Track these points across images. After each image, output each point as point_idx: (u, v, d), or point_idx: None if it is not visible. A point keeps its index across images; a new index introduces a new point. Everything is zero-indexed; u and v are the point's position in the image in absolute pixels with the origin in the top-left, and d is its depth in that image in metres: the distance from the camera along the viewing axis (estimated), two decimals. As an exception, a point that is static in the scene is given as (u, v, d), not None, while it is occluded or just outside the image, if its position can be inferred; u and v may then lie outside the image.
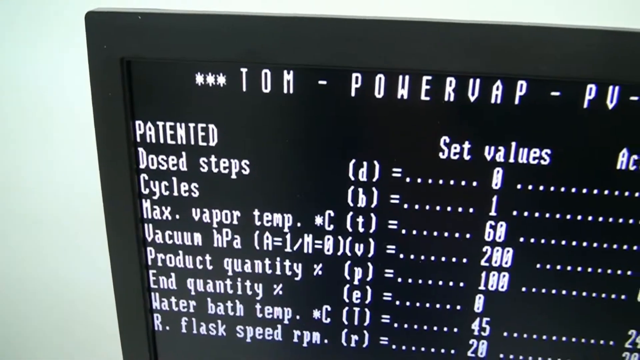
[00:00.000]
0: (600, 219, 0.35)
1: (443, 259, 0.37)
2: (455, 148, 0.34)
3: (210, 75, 0.34)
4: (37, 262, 0.58)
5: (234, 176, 0.36)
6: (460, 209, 0.36)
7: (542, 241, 0.36)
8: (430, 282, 0.38)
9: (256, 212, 0.37)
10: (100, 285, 0.54)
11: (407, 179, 0.35)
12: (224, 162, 0.36)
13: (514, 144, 0.34)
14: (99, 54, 0.34)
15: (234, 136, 0.36)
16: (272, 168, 0.36)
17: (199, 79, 0.34)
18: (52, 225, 0.56)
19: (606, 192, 0.34)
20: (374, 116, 0.34)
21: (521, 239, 0.36)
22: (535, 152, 0.34)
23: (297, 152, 0.35)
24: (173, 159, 0.37)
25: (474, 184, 0.35)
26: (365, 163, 0.35)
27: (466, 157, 0.34)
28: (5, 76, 0.55)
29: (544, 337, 0.38)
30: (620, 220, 0.34)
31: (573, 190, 0.34)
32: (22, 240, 0.58)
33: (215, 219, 0.38)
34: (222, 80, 0.34)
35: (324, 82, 0.34)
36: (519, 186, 0.35)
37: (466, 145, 0.34)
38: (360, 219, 0.37)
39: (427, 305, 0.38)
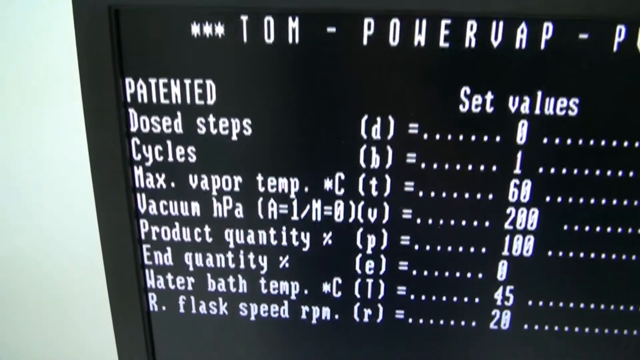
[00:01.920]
0: (632, 174, 0.32)
1: (463, 223, 0.34)
2: (476, 100, 0.31)
3: (207, 24, 0.31)
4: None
5: (234, 138, 0.33)
6: (482, 168, 0.33)
7: (570, 200, 0.33)
8: (449, 249, 0.35)
9: (259, 177, 0.34)
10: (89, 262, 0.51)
11: (425, 136, 0.32)
12: (224, 123, 0.33)
13: (539, 93, 0.31)
14: (84, 2, 0.31)
15: (234, 93, 0.32)
16: (276, 128, 0.33)
17: (195, 29, 0.31)
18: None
19: (637, 144, 0.32)
20: (387, 66, 0.31)
21: (547, 199, 0.33)
22: (562, 102, 0.31)
23: (303, 110, 0.32)
24: (167, 121, 0.33)
25: (497, 139, 0.32)
26: (378, 119, 0.32)
27: (488, 109, 0.32)
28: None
29: (571, 305, 0.36)
30: (655, 175, 0.32)
31: (602, 143, 0.32)
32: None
33: (215, 186, 0.35)
34: (220, 30, 0.31)
35: (333, 30, 0.31)
36: (545, 140, 0.32)
37: (488, 97, 0.31)
38: (373, 182, 0.34)
39: (447, 274, 0.35)
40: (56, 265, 0.54)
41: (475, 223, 0.34)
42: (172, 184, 0.35)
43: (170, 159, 0.34)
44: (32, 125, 0.49)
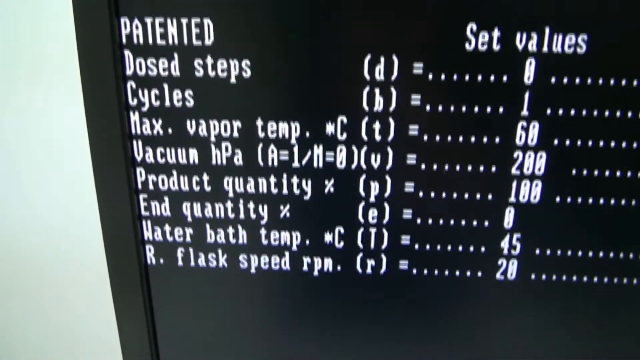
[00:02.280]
0: (643, 115, 0.31)
1: (469, 168, 0.33)
2: (483, 37, 0.30)
3: (204, -40, 0.30)
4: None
5: (233, 80, 0.32)
6: (488, 109, 0.32)
7: (579, 143, 0.32)
8: (455, 195, 0.34)
9: (259, 122, 0.33)
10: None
11: (430, 76, 0.31)
12: (222, 64, 0.32)
13: (547, 29, 0.30)
14: None
15: (232, 32, 0.31)
16: (276, 69, 0.32)
17: (192, -35, 0.30)
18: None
19: (649, 83, 0.31)
20: (391, 4, 0.30)
21: (555, 142, 0.32)
22: (570, 39, 0.30)
23: (304, 50, 0.31)
24: (164, 63, 0.32)
25: (504, 78, 0.31)
26: (382, 58, 0.31)
27: (495, 47, 0.31)
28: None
29: (580, 253, 0.35)
30: (666, 114, 0.31)
31: (612, 82, 0.31)
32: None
33: (213, 131, 0.34)
34: (218, -34, 0.30)
35: (335, -35, 0.30)
36: (553, 79, 0.31)
37: (495, 33, 0.30)
38: (376, 125, 0.33)
39: (452, 222, 0.35)
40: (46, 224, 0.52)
41: (481, 168, 0.33)
42: (169, 130, 0.34)
43: (167, 103, 0.33)
44: (25, 76, 0.47)
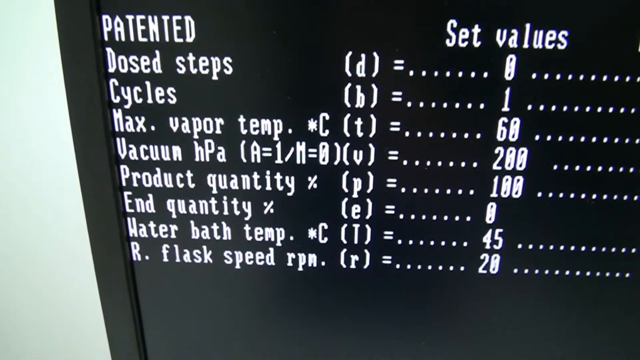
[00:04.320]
0: (622, 110, 0.32)
1: (451, 163, 0.33)
2: (463, 34, 0.31)
3: (184, -43, 0.30)
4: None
5: (215, 77, 0.32)
6: (469, 105, 0.32)
7: (560, 139, 0.32)
8: (437, 191, 0.34)
9: (241, 119, 0.33)
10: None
11: (410, 72, 0.31)
12: (204, 61, 0.32)
13: (528, 26, 0.30)
14: None
15: (214, 29, 0.31)
16: (257, 66, 0.32)
17: (172, -38, 0.30)
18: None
19: (628, 78, 0.31)
20: (372, 1, 0.30)
21: (537, 137, 0.33)
22: (551, 35, 0.30)
23: (286, 47, 0.31)
24: (146, 60, 0.32)
25: (485, 74, 0.31)
26: (363, 55, 0.31)
27: (476, 43, 0.31)
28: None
29: (561, 247, 0.35)
30: (646, 109, 0.31)
31: (592, 77, 0.31)
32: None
33: (196, 128, 0.34)
34: (198, -37, 0.30)
35: (315, -39, 0.30)
36: (533, 75, 0.31)
37: (476, 30, 0.30)
38: (358, 122, 0.33)
39: (434, 217, 0.35)
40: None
41: (463, 164, 0.33)
42: (152, 127, 0.34)
43: (150, 100, 0.33)
44: (5, 75, 0.47)
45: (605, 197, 0.34)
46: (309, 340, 0.39)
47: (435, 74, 0.31)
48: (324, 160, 0.34)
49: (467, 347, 0.39)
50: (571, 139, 0.32)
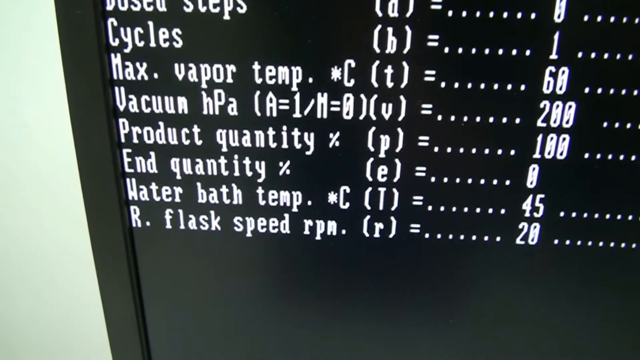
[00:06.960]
0: (685, 59, 0.28)
1: (491, 119, 0.30)
2: (510, -32, 0.27)
3: None
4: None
5: (226, 17, 0.29)
6: (513, 52, 0.28)
7: (611, 91, 0.29)
8: (473, 150, 0.31)
9: (256, 66, 0.30)
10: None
11: (449, 12, 0.28)
12: (215, -1, 0.28)
13: (583, -40, 0.27)
14: None
15: (227, -39, 0.28)
16: (275, 5, 0.28)
17: None
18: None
19: (694, 24, 0.27)
20: None
21: (586, 90, 0.29)
22: (609, -28, 0.27)
23: (308, -17, 0.28)
24: (149, -4, 0.29)
25: (532, 16, 0.28)
26: (395, -7, 0.28)
27: (524, -20, 0.27)
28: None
29: (607, 216, 0.32)
30: None
31: (654, 22, 0.28)
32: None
33: (204, 76, 0.30)
34: None
35: None
36: (585, 17, 0.28)
37: (524, -36, 0.27)
38: (388, 70, 0.29)
39: (469, 180, 0.31)
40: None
41: (504, 119, 0.30)
42: (155, 75, 0.30)
43: (153, 44, 0.30)
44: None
45: (660, 159, 0.30)
46: (325, 314, 0.36)
47: (477, 14, 0.28)
48: (347, 114, 0.30)
49: (497, 324, 0.36)
50: (624, 92, 0.29)
